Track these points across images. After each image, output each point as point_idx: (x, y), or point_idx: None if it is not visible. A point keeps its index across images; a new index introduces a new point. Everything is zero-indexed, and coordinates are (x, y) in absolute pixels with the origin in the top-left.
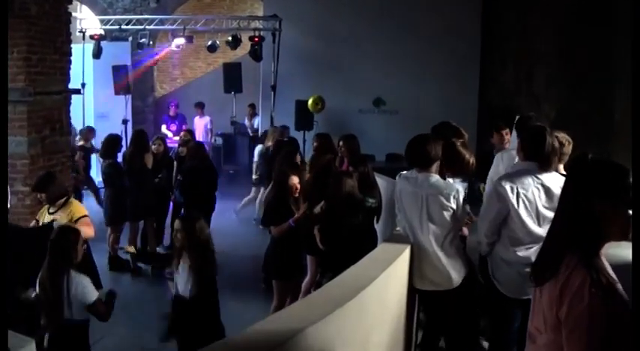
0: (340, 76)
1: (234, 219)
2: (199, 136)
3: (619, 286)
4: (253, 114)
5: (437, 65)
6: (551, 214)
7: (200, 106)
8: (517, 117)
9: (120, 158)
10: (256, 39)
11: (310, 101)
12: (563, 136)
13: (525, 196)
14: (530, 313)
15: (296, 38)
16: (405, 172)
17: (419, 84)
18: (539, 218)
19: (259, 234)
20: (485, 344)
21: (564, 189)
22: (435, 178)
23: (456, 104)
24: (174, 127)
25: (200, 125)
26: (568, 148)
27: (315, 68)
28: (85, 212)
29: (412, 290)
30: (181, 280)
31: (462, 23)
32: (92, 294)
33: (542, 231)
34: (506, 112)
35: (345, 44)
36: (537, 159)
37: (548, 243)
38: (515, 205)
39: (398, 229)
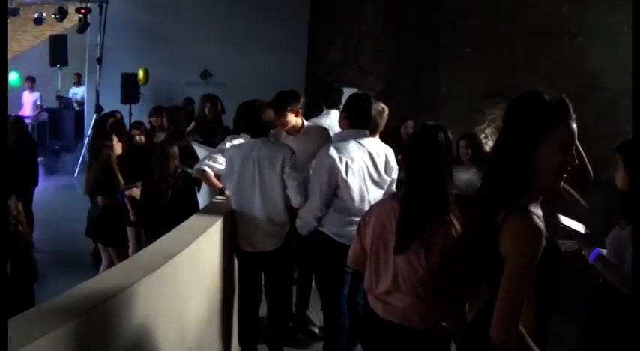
0: (167, 48)
1: (59, 194)
2: (28, 111)
3: None
4: (79, 82)
5: (265, 38)
6: (378, 180)
7: (31, 80)
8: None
9: None
10: (83, 11)
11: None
12: (381, 107)
13: (353, 164)
14: (371, 279)
15: (123, 10)
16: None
17: (246, 56)
18: (366, 185)
19: (86, 209)
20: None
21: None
22: (266, 139)
23: (284, 77)
24: None
25: (29, 100)
26: (384, 119)
27: (142, 40)
28: None
29: (231, 258)
30: None
31: None
32: None
33: (370, 198)
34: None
35: (172, 16)
36: (363, 125)
37: (410, 213)
38: (344, 175)
39: (219, 197)
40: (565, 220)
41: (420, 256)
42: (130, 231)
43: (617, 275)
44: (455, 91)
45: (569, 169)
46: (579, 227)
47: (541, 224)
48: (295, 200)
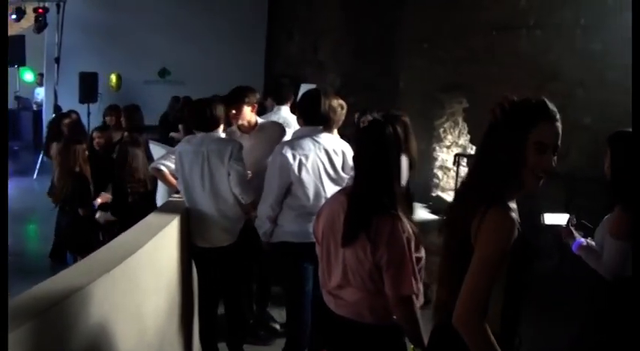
0: (125, 46)
1: (18, 196)
2: None
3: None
4: (41, 82)
5: (223, 35)
6: (335, 177)
7: None
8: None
9: None
10: (40, 10)
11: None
12: (338, 103)
13: (307, 161)
14: (324, 274)
15: (80, 9)
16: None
17: (205, 54)
18: (322, 182)
19: (47, 211)
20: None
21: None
22: (217, 135)
23: (243, 73)
24: None
25: None
26: (341, 114)
27: (99, 39)
28: None
29: (188, 257)
30: None
31: None
32: None
33: (326, 195)
34: (293, 80)
35: (130, 15)
36: (317, 121)
37: (357, 205)
38: (297, 173)
39: (175, 195)
40: (548, 219)
41: (366, 249)
42: None
43: (598, 264)
44: (414, 86)
45: (546, 171)
46: (563, 219)
47: (515, 216)
48: (236, 191)
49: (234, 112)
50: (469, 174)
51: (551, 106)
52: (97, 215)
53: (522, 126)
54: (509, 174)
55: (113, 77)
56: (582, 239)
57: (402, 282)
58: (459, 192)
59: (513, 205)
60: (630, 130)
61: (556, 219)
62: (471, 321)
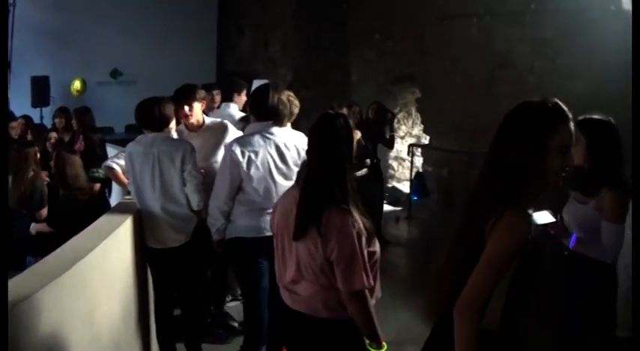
0: (76, 48)
1: None
2: None
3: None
4: None
5: (173, 33)
6: (286, 172)
7: None
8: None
9: None
10: None
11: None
12: (290, 96)
13: (257, 158)
14: (279, 269)
15: (31, 12)
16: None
17: (156, 53)
18: (273, 178)
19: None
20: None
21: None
22: (167, 135)
23: (194, 72)
24: None
25: None
26: (294, 108)
27: (50, 42)
28: None
29: (142, 258)
30: None
31: None
32: None
33: (278, 191)
34: (244, 77)
35: (80, 16)
36: (267, 116)
37: (307, 199)
38: (246, 169)
39: (127, 197)
40: (540, 219)
41: (317, 244)
42: None
43: (602, 252)
44: (365, 78)
45: (567, 168)
46: (549, 217)
47: (530, 226)
48: (192, 199)
49: (187, 108)
50: (480, 177)
51: (564, 106)
52: (31, 227)
53: (544, 131)
54: (522, 176)
55: (77, 83)
56: (576, 234)
57: (353, 277)
58: (470, 195)
59: (532, 211)
60: (597, 117)
61: (545, 217)
62: (467, 315)
